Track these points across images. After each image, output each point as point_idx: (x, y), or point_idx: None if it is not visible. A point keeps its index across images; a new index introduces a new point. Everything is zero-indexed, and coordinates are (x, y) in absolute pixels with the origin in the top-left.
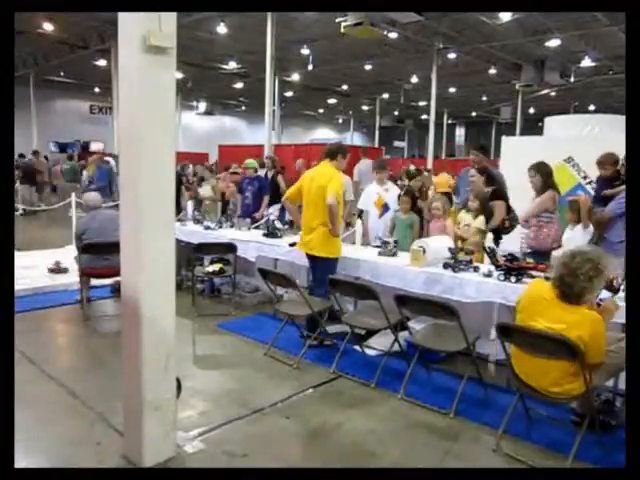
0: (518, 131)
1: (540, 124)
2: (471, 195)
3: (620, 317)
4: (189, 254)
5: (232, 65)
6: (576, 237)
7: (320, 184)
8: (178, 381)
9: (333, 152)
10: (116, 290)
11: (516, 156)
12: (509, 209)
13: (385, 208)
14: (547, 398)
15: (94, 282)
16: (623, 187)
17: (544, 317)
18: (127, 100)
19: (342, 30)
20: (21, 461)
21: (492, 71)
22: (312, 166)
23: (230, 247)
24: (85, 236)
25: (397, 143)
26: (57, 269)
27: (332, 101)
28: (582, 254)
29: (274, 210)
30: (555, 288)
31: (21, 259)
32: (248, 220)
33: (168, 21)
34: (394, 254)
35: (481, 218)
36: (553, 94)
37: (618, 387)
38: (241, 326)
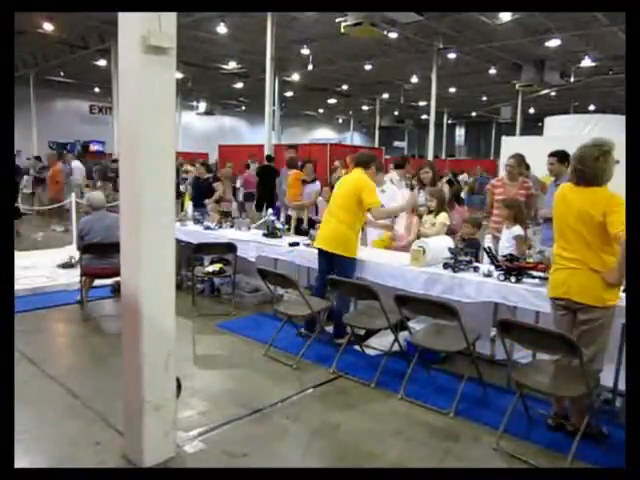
0: (518, 131)
1: (540, 124)
2: (427, 195)
3: (620, 317)
4: (189, 254)
5: (232, 65)
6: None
7: (355, 186)
8: (178, 381)
9: (366, 162)
10: (116, 290)
11: None
12: None
13: None
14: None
15: (94, 282)
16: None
17: (571, 207)
18: (127, 100)
19: (342, 30)
20: (21, 461)
21: (492, 71)
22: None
23: (230, 247)
24: (89, 236)
25: (397, 143)
26: (68, 264)
27: (332, 101)
28: (587, 144)
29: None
30: (573, 179)
31: (21, 259)
32: (247, 220)
33: (168, 21)
34: None
35: (443, 214)
36: (553, 94)
37: (618, 387)
38: (241, 326)
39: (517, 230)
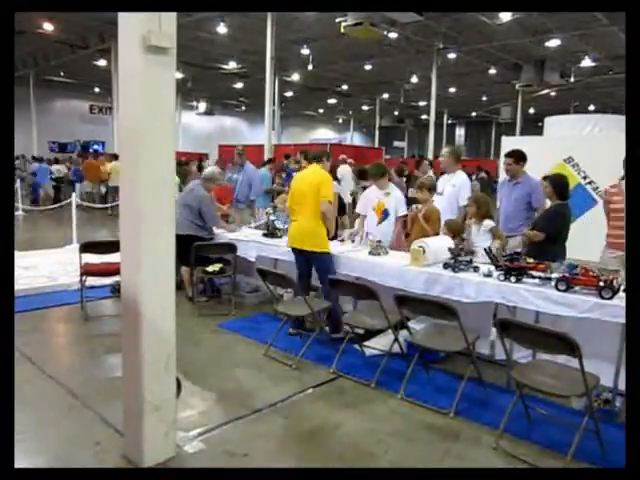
0: (518, 131)
1: (540, 124)
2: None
3: (620, 317)
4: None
5: (232, 65)
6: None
7: (312, 182)
8: (178, 381)
9: (319, 156)
10: (116, 290)
11: None
12: None
13: (385, 214)
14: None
15: (94, 282)
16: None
17: None
18: (127, 100)
19: (342, 30)
20: (21, 461)
21: (492, 71)
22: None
23: (230, 247)
24: None
25: (397, 143)
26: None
27: (332, 101)
28: None
29: None
30: None
31: (21, 259)
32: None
33: (168, 21)
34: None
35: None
36: (553, 94)
37: (618, 387)
38: (241, 326)
39: (490, 223)
